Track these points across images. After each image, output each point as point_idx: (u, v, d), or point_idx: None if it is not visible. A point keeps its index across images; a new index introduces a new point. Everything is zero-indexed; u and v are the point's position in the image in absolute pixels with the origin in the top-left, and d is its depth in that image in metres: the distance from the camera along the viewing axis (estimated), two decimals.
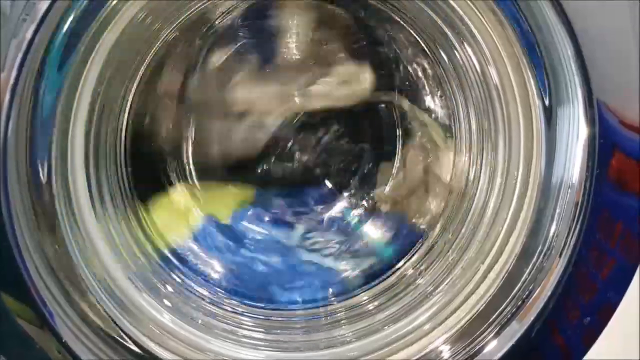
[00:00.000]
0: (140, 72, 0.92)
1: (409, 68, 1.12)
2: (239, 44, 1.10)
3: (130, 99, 0.93)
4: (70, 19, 0.67)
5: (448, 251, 0.94)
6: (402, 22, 1.01)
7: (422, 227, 1.11)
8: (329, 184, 1.15)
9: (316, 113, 1.11)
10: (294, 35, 1.11)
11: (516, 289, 0.80)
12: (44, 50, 0.66)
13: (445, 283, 0.90)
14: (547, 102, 0.76)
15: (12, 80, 0.62)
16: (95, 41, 0.72)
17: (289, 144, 1.12)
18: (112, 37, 0.75)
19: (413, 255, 1.04)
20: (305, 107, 1.10)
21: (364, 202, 1.16)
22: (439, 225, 1.03)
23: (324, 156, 1.12)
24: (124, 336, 0.78)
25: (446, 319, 0.85)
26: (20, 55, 0.62)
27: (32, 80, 0.66)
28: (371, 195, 1.15)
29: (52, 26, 0.64)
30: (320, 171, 1.13)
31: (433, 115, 1.12)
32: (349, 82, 1.10)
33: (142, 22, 0.81)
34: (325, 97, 1.10)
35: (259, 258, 1.09)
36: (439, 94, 1.10)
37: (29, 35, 0.61)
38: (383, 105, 1.11)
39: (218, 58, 1.06)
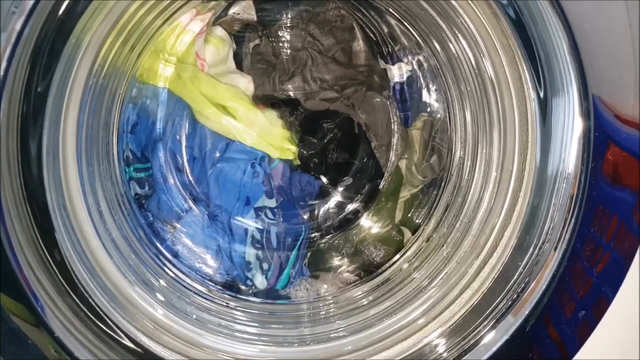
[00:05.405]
0: (132, 65, 0.92)
1: (405, 61, 1.12)
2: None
3: (122, 91, 0.93)
4: (61, 10, 0.67)
5: (443, 245, 0.94)
6: (397, 15, 1.01)
7: (417, 221, 1.12)
8: (324, 179, 1.14)
9: (312, 109, 1.11)
10: (289, 29, 1.10)
11: (511, 282, 0.79)
12: (35, 43, 0.65)
13: (440, 277, 0.90)
14: (542, 95, 0.76)
15: (1, 73, 0.61)
16: (84, 34, 0.72)
17: None
18: (104, 30, 0.75)
19: (408, 249, 1.05)
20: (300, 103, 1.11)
21: (359, 197, 1.16)
22: (434, 219, 1.03)
23: (320, 152, 1.12)
24: (117, 330, 0.78)
25: (441, 313, 0.85)
26: (9, 48, 0.61)
27: (23, 73, 0.66)
28: (366, 189, 1.15)
29: (41, 19, 0.64)
30: (315, 166, 1.13)
31: (428, 109, 1.12)
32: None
33: (134, 15, 0.80)
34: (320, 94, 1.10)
35: (256, 254, 1.09)
36: (434, 88, 1.10)
37: (17, 27, 0.61)
38: (378, 99, 1.11)
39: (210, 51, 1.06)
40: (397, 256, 1.06)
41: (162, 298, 0.87)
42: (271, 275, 1.08)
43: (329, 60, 1.09)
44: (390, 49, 1.12)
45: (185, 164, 1.08)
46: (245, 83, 1.09)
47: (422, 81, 1.11)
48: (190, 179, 1.08)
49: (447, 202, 1.01)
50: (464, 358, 0.79)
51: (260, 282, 1.08)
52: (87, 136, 0.80)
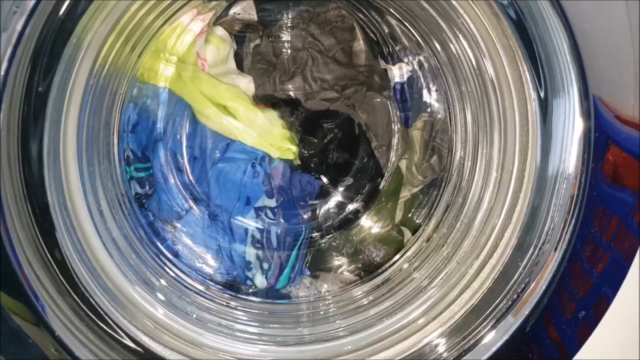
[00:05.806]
0: (132, 65, 0.92)
1: (405, 61, 1.12)
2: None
3: (123, 91, 0.93)
4: (62, 11, 0.67)
5: (443, 245, 0.94)
6: (398, 15, 1.01)
7: (418, 221, 1.12)
8: (324, 179, 1.14)
9: (312, 109, 1.11)
10: (290, 29, 1.10)
11: (511, 283, 0.79)
12: (35, 44, 0.65)
13: (440, 277, 0.90)
14: (542, 95, 0.76)
15: (2, 73, 0.61)
16: (85, 34, 0.72)
17: None
18: (105, 30, 0.75)
19: (408, 249, 1.05)
20: (300, 103, 1.11)
21: (359, 197, 1.16)
22: (434, 220, 1.03)
23: (320, 152, 1.12)
24: (118, 330, 0.78)
25: (441, 313, 0.85)
26: (10, 49, 0.61)
27: (24, 74, 0.66)
28: (366, 189, 1.15)
29: (42, 19, 0.64)
30: (315, 166, 1.13)
31: (429, 109, 1.12)
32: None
33: (135, 15, 0.80)
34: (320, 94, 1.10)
35: (257, 253, 1.09)
36: (434, 88, 1.10)
37: (18, 27, 0.61)
38: (378, 100, 1.11)
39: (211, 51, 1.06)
40: (397, 256, 1.06)
41: (162, 297, 0.87)
42: (271, 274, 1.08)
43: (330, 61, 1.09)
44: (390, 49, 1.12)
45: (186, 163, 1.08)
46: (246, 83, 1.09)
47: (422, 81, 1.11)
48: (191, 178, 1.08)
49: (447, 202, 1.01)
50: (464, 358, 0.79)
51: (260, 281, 1.08)
52: (87, 136, 0.80)
